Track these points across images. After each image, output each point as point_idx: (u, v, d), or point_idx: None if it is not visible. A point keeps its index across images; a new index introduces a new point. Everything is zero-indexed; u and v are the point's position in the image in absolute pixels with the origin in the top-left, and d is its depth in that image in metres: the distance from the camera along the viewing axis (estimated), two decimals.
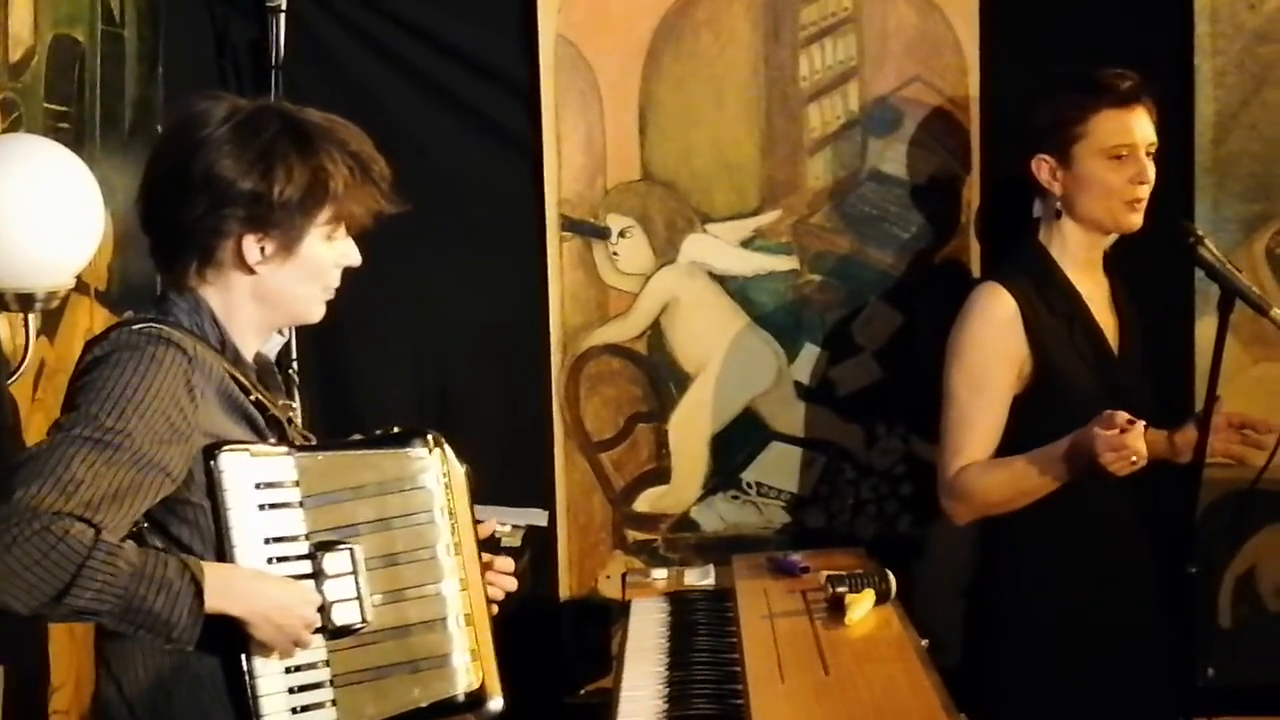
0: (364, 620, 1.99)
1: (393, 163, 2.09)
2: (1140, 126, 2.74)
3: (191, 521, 1.93)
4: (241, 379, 2.00)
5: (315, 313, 2.09)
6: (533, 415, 3.46)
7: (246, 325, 2.03)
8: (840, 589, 2.77)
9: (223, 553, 1.92)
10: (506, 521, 3.30)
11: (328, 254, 2.04)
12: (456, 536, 2.08)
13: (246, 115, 1.99)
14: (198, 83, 3.32)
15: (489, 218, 3.44)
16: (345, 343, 3.43)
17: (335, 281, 2.08)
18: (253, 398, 2.01)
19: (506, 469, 3.46)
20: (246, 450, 1.95)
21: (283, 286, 2.02)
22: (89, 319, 2.72)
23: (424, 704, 2.01)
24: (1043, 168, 2.80)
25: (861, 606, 2.72)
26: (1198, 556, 2.60)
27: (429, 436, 2.07)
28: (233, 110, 1.99)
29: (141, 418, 1.84)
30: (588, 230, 3.44)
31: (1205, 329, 2.84)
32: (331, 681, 1.98)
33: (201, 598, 1.83)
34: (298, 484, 1.98)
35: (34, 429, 2.45)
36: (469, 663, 2.04)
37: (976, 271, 3.39)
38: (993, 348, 2.76)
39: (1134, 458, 2.54)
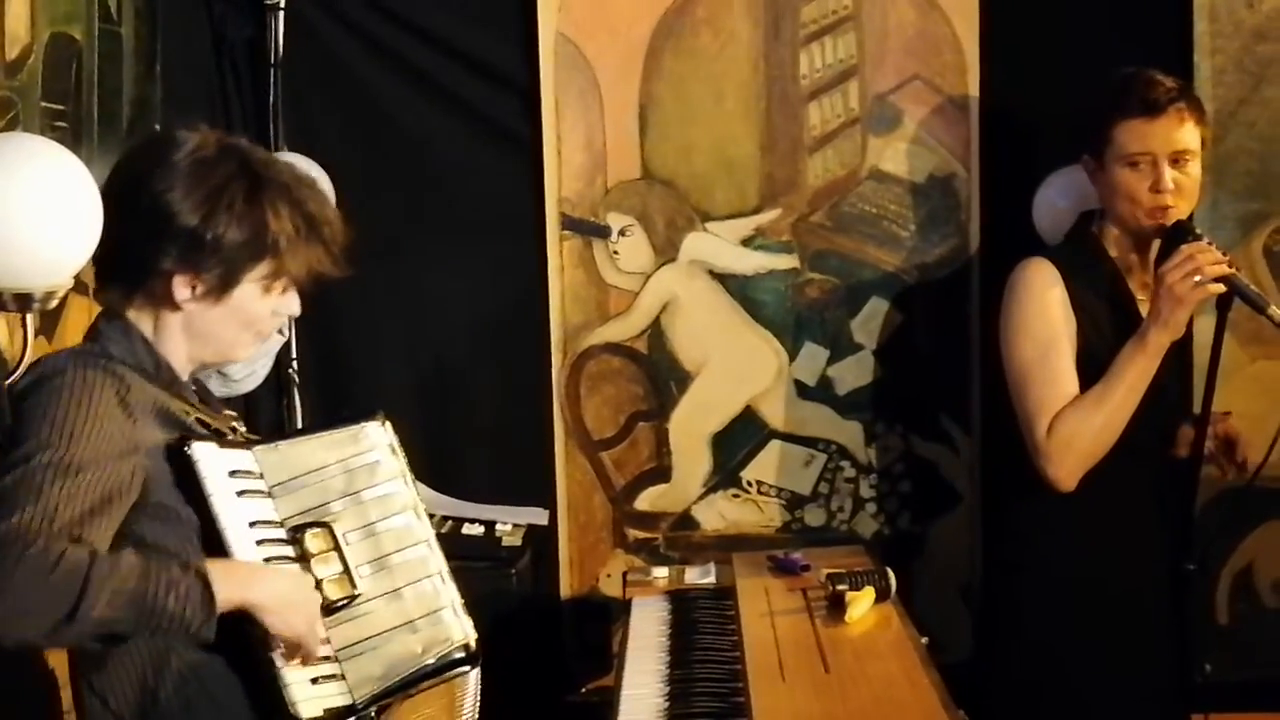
0: (356, 591, 2.01)
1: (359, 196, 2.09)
2: (1163, 135, 2.69)
3: (168, 519, 1.92)
4: (178, 399, 2.00)
5: (243, 355, 2.10)
6: (533, 414, 3.46)
7: (176, 352, 2.03)
8: (840, 587, 2.77)
9: (212, 538, 1.92)
10: (507, 520, 3.32)
11: (262, 304, 2.03)
12: (422, 500, 2.13)
13: (208, 153, 1.98)
14: (196, 81, 3.33)
15: (489, 216, 3.45)
16: (345, 342, 3.43)
17: (270, 330, 2.08)
18: (192, 417, 2.02)
19: (507, 468, 3.47)
20: (213, 441, 1.97)
21: (211, 327, 2.02)
22: (87, 319, 2.70)
23: (430, 661, 2.05)
24: (1088, 166, 2.81)
25: (861, 604, 2.72)
26: (1195, 554, 2.60)
27: (376, 414, 2.13)
28: (200, 145, 1.99)
29: (89, 439, 1.84)
30: (588, 229, 3.44)
31: (1203, 326, 2.83)
32: (336, 656, 2.00)
33: (211, 591, 1.83)
34: (262, 476, 2.00)
35: None
36: (461, 615, 2.10)
37: (976, 269, 3.39)
38: (1053, 311, 2.73)
39: (1197, 275, 2.54)
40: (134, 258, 1.99)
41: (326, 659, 1.99)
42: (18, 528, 1.74)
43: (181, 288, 1.98)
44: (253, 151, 2.04)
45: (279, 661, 1.93)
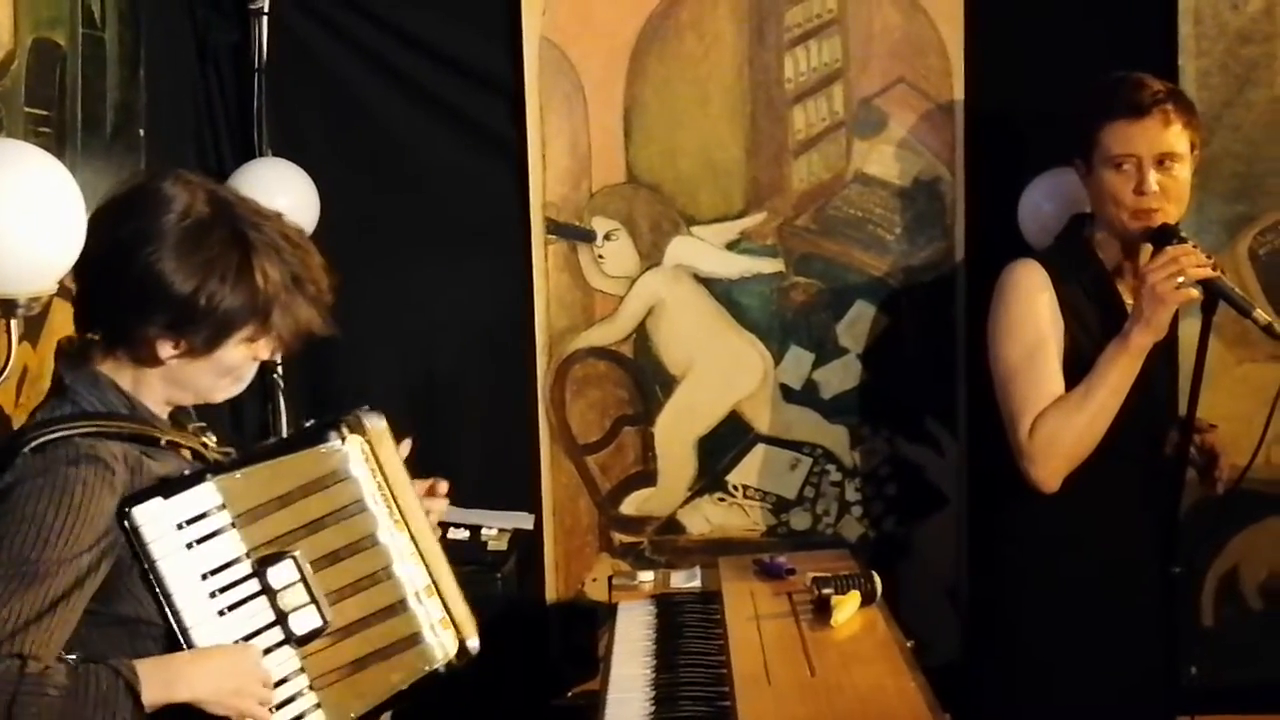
0: (325, 622, 2.00)
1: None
2: (1148, 136, 2.68)
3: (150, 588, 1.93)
4: (149, 430, 2.00)
5: (220, 397, 2.09)
6: (519, 418, 3.46)
7: (152, 397, 2.03)
8: (826, 590, 2.77)
9: (161, 605, 1.92)
10: (493, 525, 3.32)
11: (241, 355, 2.03)
12: (395, 513, 2.08)
13: (199, 220, 1.97)
14: (180, 86, 3.33)
15: (474, 221, 3.44)
16: (330, 346, 3.39)
17: (248, 374, 2.08)
18: (164, 442, 2.02)
19: (493, 472, 3.46)
20: (158, 496, 1.94)
21: (191, 377, 2.03)
22: (71, 325, 2.71)
23: (405, 686, 2.03)
24: (1078, 169, 2.81)
25: (847, 608, 2.72)
26: (1181, 557, 2.61)
27: (341, 425, 2.05)
28: (189, 209, 1.97)
29: (67, 543, 1.84)
30: (573, 233, 3.44)
31: (1189, 330, 2.84)
32: (311, 686, 2.00)
33: (139, 700, 1.84)
34: (224, 506, 1.98)
35: None
36: (441, 633, 2.07)
37: (961, 273, 3.40)
38: (1040, 313, 2.73)
39: (1180, 276, 2.54)
40: (119, 319, 1.98)
41: (299, 695, 1.99)
42: None
43: (165, 347, 1.98)
44: (241, 208, 2.03)
45: None
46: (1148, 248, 2.74)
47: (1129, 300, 2.76)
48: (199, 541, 1.96)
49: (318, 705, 2.00)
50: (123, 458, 1.93)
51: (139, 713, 1.85)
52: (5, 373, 2.29)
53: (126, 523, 1.91)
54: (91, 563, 1.87)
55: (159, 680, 1.88)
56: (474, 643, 2.11)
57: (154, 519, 1.93)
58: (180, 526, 1.95)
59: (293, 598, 1.99)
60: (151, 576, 1.92)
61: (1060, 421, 2.66)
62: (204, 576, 1.95)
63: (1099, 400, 2.64)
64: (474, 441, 3.48)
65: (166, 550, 1.93)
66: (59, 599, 1.84)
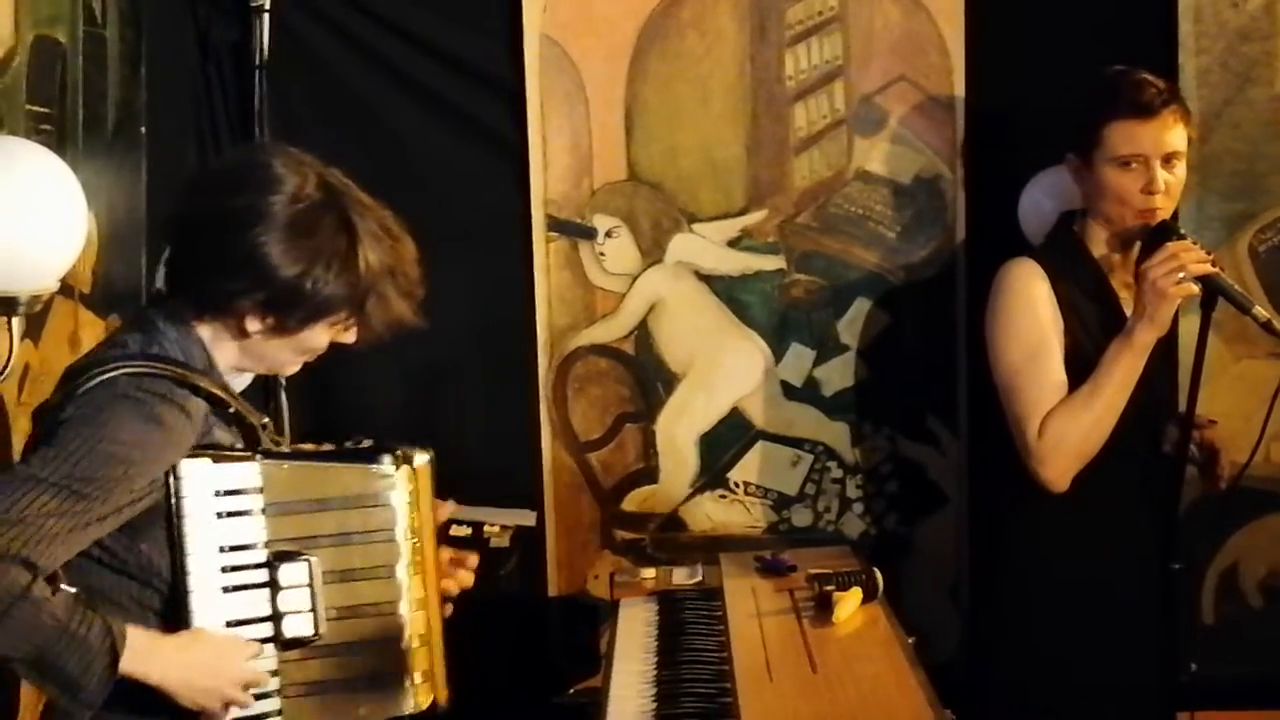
0: (317, 634, 2.00)
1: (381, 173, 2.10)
2: (1156, 137, 2.69)
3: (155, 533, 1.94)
4: (223, 394, 2.01)
5: (289, 371, 2.13)
6: (520, 416, 3.46)
7: (224, 359, 2.05)
8: (827, 587, 2.77)
9: (175, 561, 1.93)
10: (495, 522, 3.31)
11: (324, 337, 2.07)
12: (419, 555, 2.08)
13: (309, 205, 1.98)
14: (181, 84, 3.33)
15: (475, 218, 3.44)
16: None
17: (321, 349, 2.10)
18: (232, 410, 2.02)
19: (494, 469, 3.46)
20: (207, 457, 1.96)
21: (269, 351, 2.05)
22: (73, 322, 2.71)
23: None
24: (1071, 166, 2.80)
25: (848, 605, 2.72)
26: (1181, 553, 2.61)
27: (398, 453, 2.06)
28: (299, 191, 1.98)
29: (129, 477, 1.85)
30: (574, 231, 3.44)
31: (1188, 326, 2.84)
32: (280, 691, 1.99)
33: (116, 666, 1.84)
34: (261, 491, 1.98)
35: (19, 433, 2.45)
36: (420, 684, 2.07)
37: (962, 270, 3.40)
38: (1040, 311, 2.72)
39: (1180, 272, 2.55)
40: (215, 290, 1.99)
41: (267, 695, 1.99)
42: None
43: (254, 321, 2.00)
44: (348, 196, 2.05)
45: None
46: (1138, 242, 2.74)
47: (1122, 295, 2.77)
48: (228, 515, 1.96)
49: (279, 713, 1.99)
50: (204, 417, 1.94)
51: (110, 673, 1.83)
52: (6, 371, 2.30)
53: (172, 473, 1.91)
54: (134, 499, 1.87)
55: (140, 654, 1.87)
56: (443, 704, 2.11)
57: (196, 478, 1.94)
58: (217, 494, 1.95)
59: (295, 600, 1.99)
60: (175, 530, 1.92)
61: (1068, 421, 2.66)
62: (221, 550, 1.96)
63: (1105, 398, 2.65)
64: (475, 438, 3.48)
65: (197, 510, 1.94)
66: (90, 524, 1.83)
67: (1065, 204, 3.00)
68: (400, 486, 2.05)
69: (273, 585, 1.98)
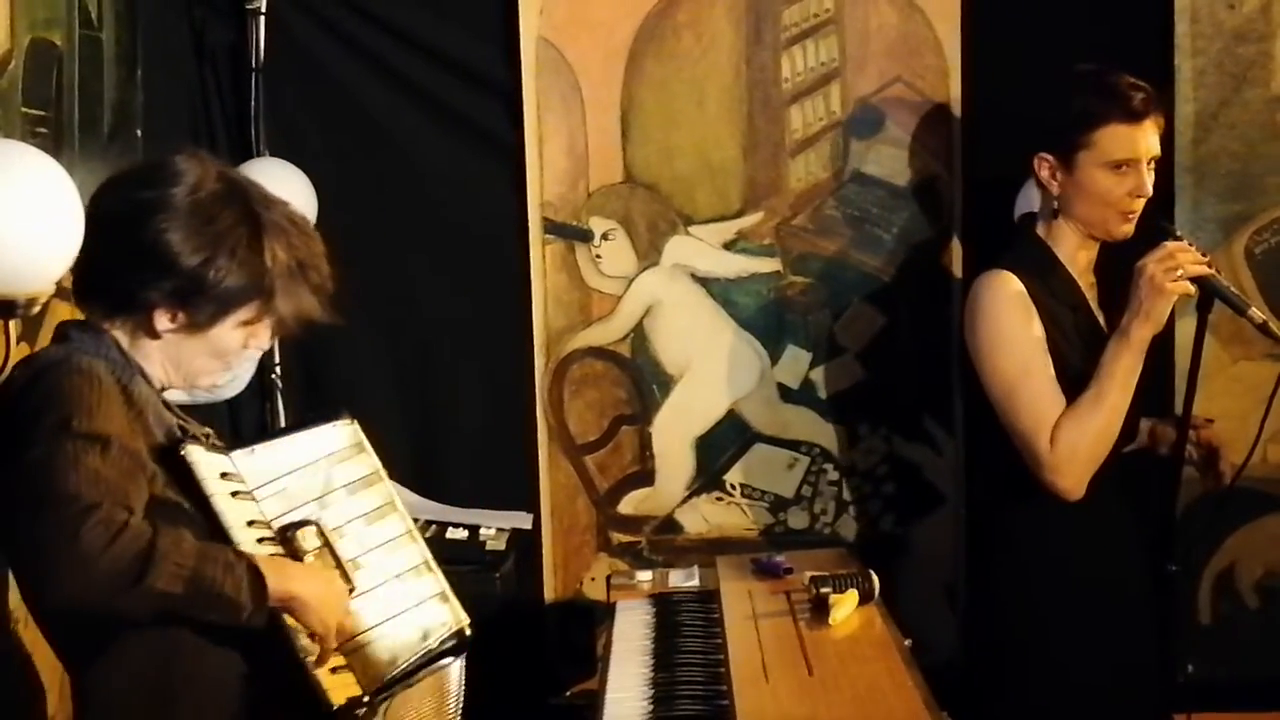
0: (351, 586, 2.03)
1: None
2: (1146, 140, 2.70)
3: (177, 516, 1.92)
4: (150, 388, 2.02)
5: (209, 383, 2.12)
6: (516, 418, 3.46)
7: (150, 369, 2.05)
8: (824, 589, 2.78)
9: (220, 539, 1.93)
10: (491, 525, 3.32)
11: (236, 338, 2.06)
12: (405, 504, 2.18)
13: (210, 194, 1.99)
14: (177, 86, 3.33)
15: (471, 220, 3.44)
16: (328, 346, 3.42)
17: (238, 363, 2.11)
18: (177, 422, 2.04)
19: (490, 472, 3.47)
20: (201, 445, 1.99)
21: (184, 355, 2.05)
22: None
23: (431, 645, 2.10)
24: (1043, 166, 2.78)
25: (845, 607, 2.72)
26: (1177, 554, 2.61)
27: (340, 414, 2.17)
28: (200, 183, 2.00)
29: (108, 418, 1.86)
30: (570, 233, 3.44)
31: (1185, 328, 2.85)
32: (339, 648, 2.01)
33: (263, 580, 1.86)
34: (243, 480, 2.01)
35: None
36: (452, 600, 2.16)
37: (958, 272, 3.40)
38: (1026, 320, 2.72)
39: (1178, 270, 2.55)
40: (121, 286, 2.00)
41: (337, 649, 2.01)
42: (69, 499, 1.75)
43: (163, 319, 2.00)
44: (251, 190, 2.06)
45: (310, 654, 1.96)
46: (1097, 245, 2.75)
47: (1089, 297, 2.77)
48: (236, 495, 1.98)
49: (348, 666, 2.01)
50: (119, 391, 1.92)
51: (261, 587, 1.85)
52: (3, 374, 2.29)
53: (183, 452, 1.93)
54: (142, 453, 1.88)
55: (281, 573, 1.90)
56: (468, 630, 2.18)
57: (203, 460, 1.96)
58: (223, 476, 1.97)
59: (321, 562, 2.01)
60: (207, 509, 1.93)
61: (1078, 429, 2.65)
62: (249, 524, 1.97)
63: (1110, 401, 2.64)
64: (472, 441, 3.48)
65: (217, 489, 1.95)
66: (132, 473, 1.84)
67: None
68: (358, 439, 2.16)
69: (295, 556, 1.99)
